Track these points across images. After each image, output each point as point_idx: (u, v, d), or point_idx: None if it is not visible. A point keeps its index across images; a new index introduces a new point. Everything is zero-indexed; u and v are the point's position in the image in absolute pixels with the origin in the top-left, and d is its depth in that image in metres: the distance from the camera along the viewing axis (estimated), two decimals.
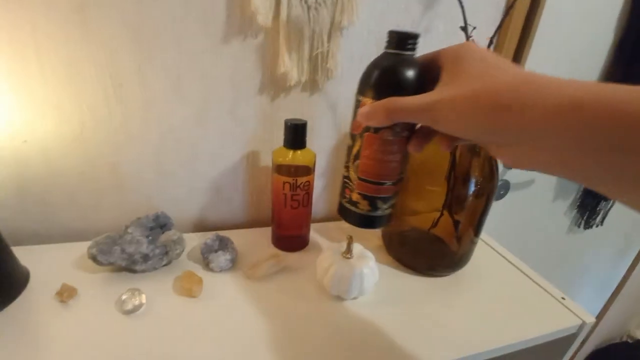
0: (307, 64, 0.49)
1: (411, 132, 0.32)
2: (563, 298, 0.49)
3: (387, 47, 0.32)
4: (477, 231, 0.49)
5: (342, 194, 0.37)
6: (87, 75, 0.44)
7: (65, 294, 0.40)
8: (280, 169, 0.47)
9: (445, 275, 0.51)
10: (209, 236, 0.49)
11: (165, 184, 0.53)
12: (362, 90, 0.33)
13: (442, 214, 0.49)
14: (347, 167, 0.36)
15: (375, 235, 0.57)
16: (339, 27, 0.48)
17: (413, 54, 0.31)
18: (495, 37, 0.47)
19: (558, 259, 1.08)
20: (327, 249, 0.46)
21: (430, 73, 0.28)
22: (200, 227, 0.57)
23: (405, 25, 0.52)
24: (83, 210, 0.51)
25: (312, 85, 0.52)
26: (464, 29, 0.44)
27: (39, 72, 0.42)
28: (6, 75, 0.41)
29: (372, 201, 0.35)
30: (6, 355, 0.34)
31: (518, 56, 0.61)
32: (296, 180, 0.47)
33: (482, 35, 0.57)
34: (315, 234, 0.57)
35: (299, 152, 0.47)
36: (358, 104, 0.33)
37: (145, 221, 0.47)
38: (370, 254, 0.46)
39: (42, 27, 0.40)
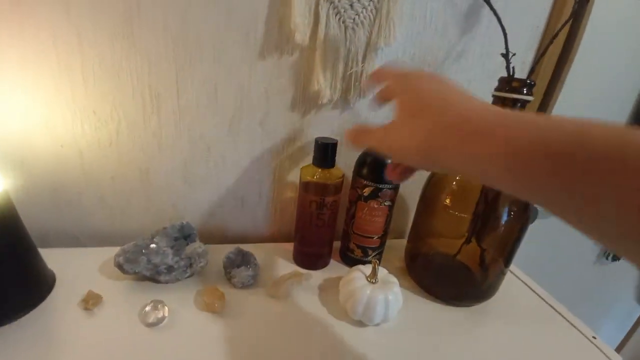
0: (340, 83, 0.49)
1: (393, 203, 0.48)
2: (594, 337, 0.47)
3: None
4: (507, 262, 0.47)
5: (343, 243, 0.54)
6: (127, 85, 0.45)
7: (91, 301, 0.40)
8: (307, 186, 0.47)
9: (471, 306, 0.49)
10: (231, 250, 0.49)
11: (191, 193, 0.53)
12: (357, 172, 0.48)
13: (468, 241, 0.48)
14: (346, 224, 0.52)
15: (396, 256, 0.56)
16: (375, 48, 0.48)
17: None
18: (536, 64, 0.45)
19: (583, 289, 1.04)
20: (351, 272, 0.45)
21: None
22: (222, 238, 0.57)
23: (440, 48, 0.52)
24: (112, 214, 0.52)
25: (343, 103, 0.52)
26: (505, 55, 0.43)
27: (82, 80, 0.43)
28: (49, 81, 0.42)
29: (364, 249, 0.51)
30: None
31: (554, 82, 0.59)
32: (323, 199, 0.46)
33: (519, 60, 0.56)
34: (337, 252, 0.56)
35: (327, 171, 0.47)
36: (354, 180, 0.48)
37: (170, 231, 0.47)
38: (394, 279, 0.44)
39: (88, 37, 0.41)
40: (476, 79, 0.55)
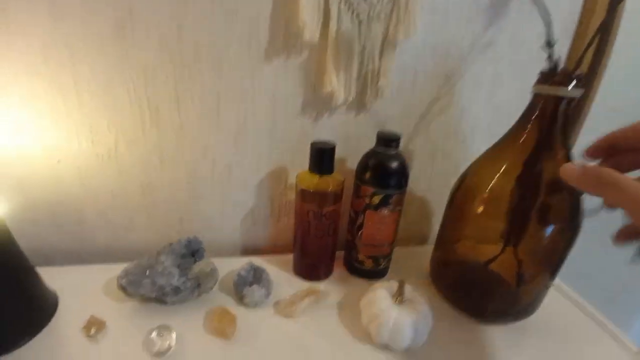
0: (355, 83, 0.45)
1: (402, 208, 0.46)
2: None
3: (376, 145, 0.44)
4: (552, 275, 0.42)
5: (350, 255, 0.49)
6: (123, 99, 0.42)
7: (93, 328, 0.37)
8: (304, 195, 0.43)
9: (507, 323, 0.44)
10: (242, 266, 0.45)
11: (197, 206, 0.50)
12: (360, 179, 0.44)
13: (502, 251, 0.42)
14: (351, 234, 0.48)
15: (418, 264, 0.52)
16: (393, 42, 0.43)
17: (397, 151, 0.43)
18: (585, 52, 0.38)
19: (618, 290, 0.97)
20: (373, 290, 0.41)
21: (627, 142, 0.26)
22: (233, 251, 0.54)
23: (464, 38, 0.47)
24: (115, 230, 0.49)
25: (359, 104, 0.47)
26: (550, 44, 0.37)
27: (76, 95, 0.40)
28: (42, 95, 0.39)
29: (375, 259, 0.48)
30: None
31: (591, 76, 0.53)
32: (322, 208, 0.42)
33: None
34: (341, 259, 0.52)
35: (326, 177, 0.43)
36: (358, 188, 0.44)
37: (177, 247, 0.44)
38: (421, 298, 0.40)
39: (79, 51, 0.38)
40: (506, 71, 0.50)
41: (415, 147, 0.53)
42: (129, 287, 0.39)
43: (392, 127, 0.50)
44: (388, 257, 0.48)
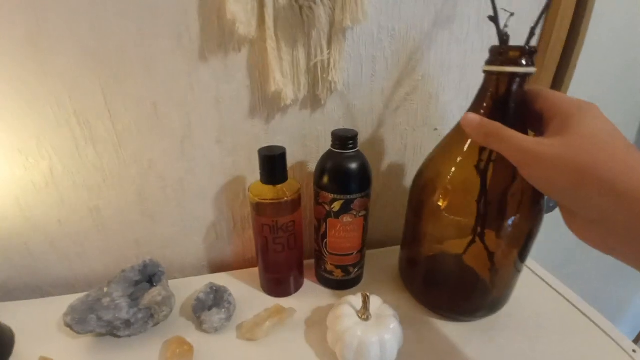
0: (305, 77, 0.40)
1: (367, 210, 0.41)
2: (634, 351, 0.38)
3: (332, 147, 0.39)
4: (523, 259, 0.38)
5: (318, 265, 0.46)
6: (48, 115, 0.38)
7: None
8: (258, 208, 0.39)
9: (484, 317, 0.41)
10: (202, 288, 0.42)
11: (153, 225, 0.46)
12: (318, 184, 0.40)
13: (470, 243, 0.38)
14: (317, 243, 0.44)
15: (389, 268, 0.48)
16: (341, 29, 0.38)
17: (355, 151, 0.39)
18: (539, 26, 0.34)
19: (606, 281, 0.93)
20: (339, 306, 0.38)
21: (530, 105, 0.29)
22: (199, 269, 0.51)
23: (425, 17, 0.42)
24: (68, 259, 0.46)
25: (313, 101, 0.43)
26: (494, 18, 0.32)
27: None
28: None
29: (345, 269, 0.44)
30: None
31: (568, 51, 0.48)
32: (276, 221, 0.39)
33: (523, 23, 0.45)
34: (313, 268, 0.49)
35: (279, 187, 0.39)
36: (317, 195, 0.40)
37: (130, 274, 0.41)
38: (390, 311, 0.37)
39: None
40: (474, 50, 0.45)
41: (381, 142, 0.48)
42: (75, 325, 0.36)
43: (354, 122, 0.46)
44: (359, 264, 0.44)
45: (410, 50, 0.43)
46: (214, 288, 0.43)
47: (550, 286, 0.47)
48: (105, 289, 0.39)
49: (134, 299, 0.39)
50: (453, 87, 0.47)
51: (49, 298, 0.45)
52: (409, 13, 0.41)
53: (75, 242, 0.45)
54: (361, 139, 0.47)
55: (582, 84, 0.52)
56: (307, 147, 0.46)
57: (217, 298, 0.42)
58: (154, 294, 0.39)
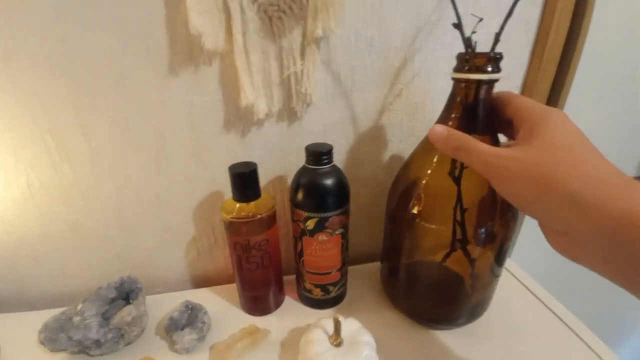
0: (278, 90, 0.39)
1: (346, 228, 0.39)
2: None
3: (306, 162, 0.37)
4: (499, 261, 0.36)
5: (298, 282, 0.44)
6: (24, 132, 0.38)
7: None
8: (230, 226, 0.38)
9: (466, 324, 0.39)
10: (176, 307, 0.41)
11: (133, 240, 0.46)
12: (292, 201, 0.38)
13: (452, 249, 0.36)
14: (296, 261, 0.42)
15: (372, 282, 0.46)
16: (314, 39, 0.37)
17: (330, 167, 0.37)
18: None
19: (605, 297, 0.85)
20: (311, 329, 0.36)
21: (498, 111, 0.29)
22: (182, 284, 0.50)
23: (407, 22, 0.39)
24: (51, 274, 0.47)
25: (289, 114, 0.41)
26: (458, 25, 0.31)
27: None
28: None
29: (324, 287, 0.42)
30: None
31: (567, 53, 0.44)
32: (248, 240, 0.37)
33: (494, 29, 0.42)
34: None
35: (251, 204, 0.37)
36: (292, 212, 0.39)
37: (105, 292, 0.41)
38: (366, 336, 0.35)
39: None
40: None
41: (363, 155, 0.46)
42: (48, 344, 0.36)
43: (335, 135, 0.44)
44: (339, 283, 0.42)
45: (392, 58, 0.41)
46: (190, 306, 0.42)
47: (530, 291, 0.46)
48: (79, 307, 0.39)
49: (106, 318, 0.39)
50: (440, 95, 0.44)
51: (34, 312, 0.45)
52: (389, 19, 0.39)
53: (57, 257, 0.45)
54: (343, 151, 0.45)
55: (584, 87, 0.48)
56: (286, 160, 0.44)
57: (191, 317, 0.41)
58: (124, 313, 0.38)
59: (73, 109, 0.37)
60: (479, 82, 0.29)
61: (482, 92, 0.30)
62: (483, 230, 0.34)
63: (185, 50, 0.37)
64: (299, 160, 0.44)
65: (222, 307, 0.45)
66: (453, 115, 0.32)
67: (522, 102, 0.27)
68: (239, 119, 0.41)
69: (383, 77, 0.42)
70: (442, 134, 0.27)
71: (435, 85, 0.43)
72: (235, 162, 0.38)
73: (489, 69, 0.29)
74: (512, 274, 0.49)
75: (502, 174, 0.23)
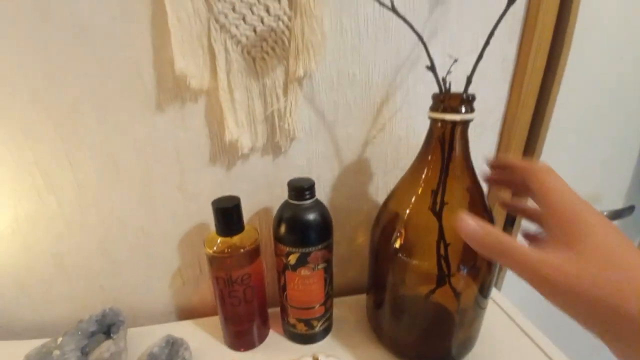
0: (262, 126, 0.40)
1: (329, 262, 0.39)
2: None
3: (288, 197, 0.38)
4: (484, 292, 0.36)
5: (282, 317, 0.43)
6: (9, 166, 0.39)
7: None
8: (212, 261, 0.38)
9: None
10: (157, 342, 0.40)
11: (117, 271, 0.46)
12: (275, 236, 0.38)
13: (438, 285, 0.35)
14: (280, 295, 0.41)
15: (358, 315, 0.45)
16: (296, 78, 0.38)
17: (313, 201, 0.37)
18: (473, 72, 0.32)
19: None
20: None
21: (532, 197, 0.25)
22: (167, 316, 0.50)
23: (387, 59, 0.41)
24: (35, 305, 0.46)
25: (274, 148, 0.42)
26: (431, 67, 0.32)
27: None
28: None
29: (307, 322, 0.41)
30: None
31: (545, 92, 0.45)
32: (230, 275, 0.37)
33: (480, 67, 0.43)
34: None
35: (234, 238, 0.37)
36: (275, 246, 0.39)
37: (86, 325, 0.40)
38: None
39: None
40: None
41: (348, 187, 0.46)
42: None
43: (319, 169, 0.44)
44: (323, 317, 0.42)
45: (374, 94, 0.42)
46: (170, 341, 0.41)
47: (516, 323, 0.45)
48: (59, 340, 0.38)
49: (85, 353, 0.38)
50: (423, 129, 0.45)
51: (20, 341, 0.45)
52: (369, 57, 0.40)
53: (42, 288, 0.45)
54: (328, 184, 0.46)
55: (564, 118, 0.49)
56: (271, 193, 0.44)
57: (171, 353, 0.40)
58: (102, 349, 0.37)
59: (60, 143, 0.38)
60: (454, 122, 0.30)
61: (457, 131, 0.31)
62: (467, 264, 0.34)
63: (171, 89, 0.38)
64: (285, 192, 0.44)
65: (205, 341, 0.44)
66: (431, 153, 0.33)
67: (555, 194, 0.23)
68: (225, 152, 0.41)
69: (365, 112, 0.43)
70: (477, 232, 0.22)
71: (417, 119, 0.44)
72: (221, 194, 0.39)
73: (463, 109, 0.30)
74: (499, 306, 0.48)
75: (547, 284, 0.20)
